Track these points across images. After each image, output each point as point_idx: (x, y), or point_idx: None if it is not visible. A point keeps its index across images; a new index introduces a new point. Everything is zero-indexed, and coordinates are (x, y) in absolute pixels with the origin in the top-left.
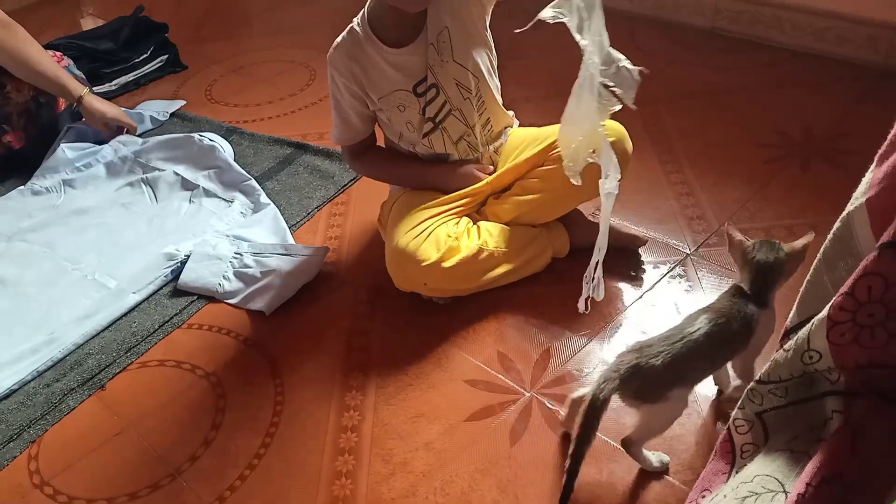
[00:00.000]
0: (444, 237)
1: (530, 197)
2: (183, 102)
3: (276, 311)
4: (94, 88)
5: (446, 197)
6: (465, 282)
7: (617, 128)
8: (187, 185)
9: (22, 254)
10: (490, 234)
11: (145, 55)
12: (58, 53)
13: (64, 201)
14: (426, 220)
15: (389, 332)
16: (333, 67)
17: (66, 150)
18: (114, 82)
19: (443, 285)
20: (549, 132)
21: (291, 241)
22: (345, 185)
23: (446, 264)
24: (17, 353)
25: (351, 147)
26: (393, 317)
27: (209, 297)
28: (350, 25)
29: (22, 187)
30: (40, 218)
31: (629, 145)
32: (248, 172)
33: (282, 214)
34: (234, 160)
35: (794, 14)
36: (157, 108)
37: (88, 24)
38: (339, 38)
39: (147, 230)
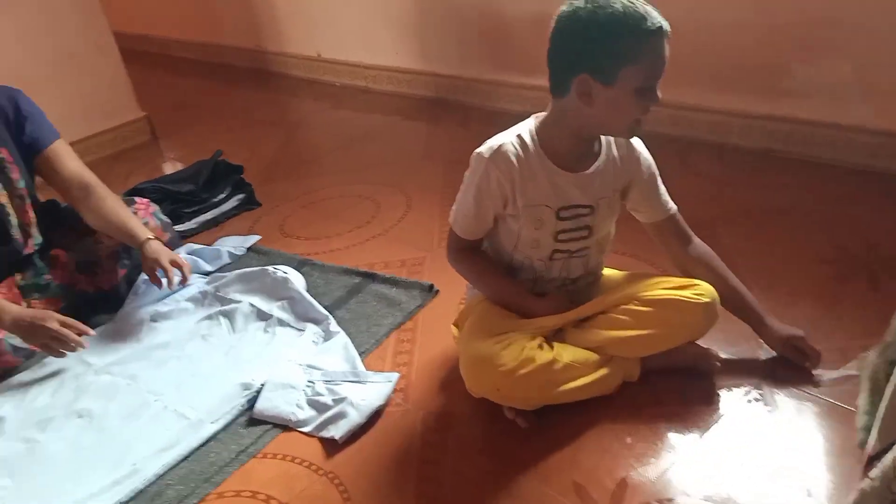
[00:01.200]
0: (522, 348)
1: (620, 333)
2: (258, 237)
3: (348, 439)
4: (176, 227)
5: (531, 319)
6: (536, 391)
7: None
8: (262, 316)
9: (107, 386)
10: (565, 351)
11: (223, 195)
12: (145, 200)
13: (147, 336)
14: (506, 331)
15: (460, 460)
16: (493, 164)
17: (148, 289)
18: (193, 221)
19: (515, 393)
20: (644, 285)
21: (362, 368)
22: (411, 313)
23: (521, 372)
24: (101, 486)
25: (464, 241)
26: (463, 444)
27: (283, 425)
28: (516, 132)
29: (109, 324)
30: (125, 352)
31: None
32: (319, 302)
33: (352, 342)
34: (306, 290)
35: (846, 133)
36: (234, 244)
37: (169, 167)
38: (502, 140)
39: (224, 360)
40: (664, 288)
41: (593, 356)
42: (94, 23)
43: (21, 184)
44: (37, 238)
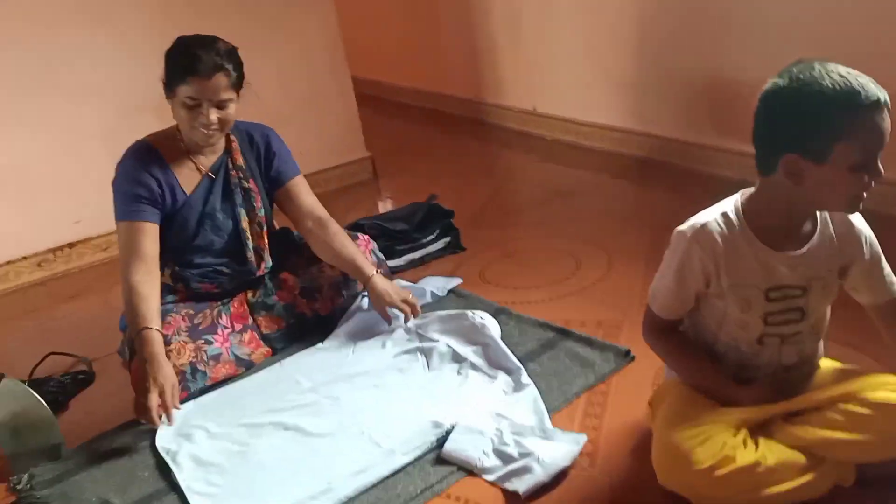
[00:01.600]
0: (721, 444)
1: (834, 435)
2: (460, 281)
3: (530, 495)
4: (387, 261)
5: (732, 409)
6: (734, 494)
7: None
8: (457, 358)
9: (314, 404)
10: (770, 451)
11: (431, 236)
12: (366, 237)
13: (351, 362)
14: (706, 424)
15: None
16: (697, 243)
17: (359, 318)
18: (403, 258)
19: (710, 493)
20: (866, 382)
21: (549, 425)
22: (605, 375)
23: (719, 472)
24: (299, 497)
25: (662, 321)
26: None
27: (468, 469)
28: (721, 209)
29: (319, 344)
30: (330, 375)
31: None
32: (513, 352)
33: (541, 396)
34: (501, 338)
35: None
36: (437, 285)
37: (383, 206)
38: (706, 218)
39: (418, 395)
40: (891, 390)
41: (802, 457)
42: (338, 68)
43: (262, 212)
44: (268, 262)
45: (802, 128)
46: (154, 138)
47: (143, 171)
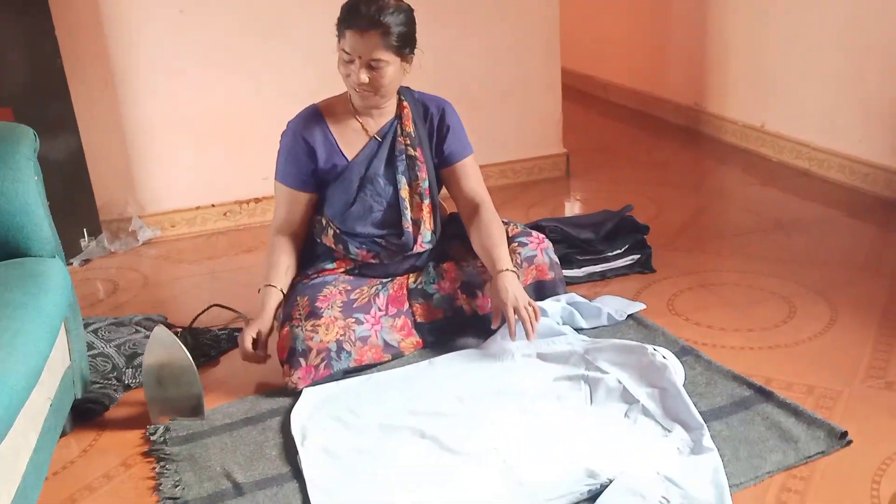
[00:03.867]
0: None
1: None
2: (643, 306)
3: None
4: (564, 271)
5: None
6: None
7: None
8: (627, 398)
9: (456, 416)
10: None
11: (619, 251)
12: (541, 236)
13: (502, 376)
14: None
15: None
16: None
17: (522, 328)
18: (582, 269)
19: None
20: None
21: (729, 503)
22: (809, 457)
23: None
24: None
25: None
26: None
27: None
28: None
29: (474, 348)
30: (478, 386)
31: None
32: (695, 404)
33: (724, 467)
34: (684, 386)
35: None
36: (615, 306)
37: (572, 207)
38: None
39: (574, 434)
40: None
41: None
42: (550, 58)
43: (425, 184)
44: (426, 236)
45: None
46: (326, 102)
47: (302, 137)
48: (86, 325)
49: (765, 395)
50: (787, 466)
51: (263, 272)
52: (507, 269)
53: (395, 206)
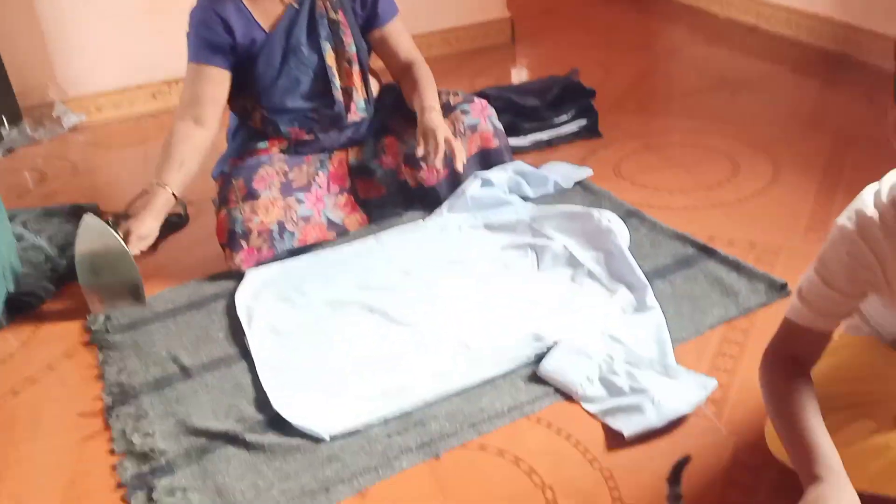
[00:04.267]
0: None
1: None
2: (589, 172)
3: (636, 439)
4: (510, 139)
5: None
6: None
7: None
8: (573, 263)
9: (404, 289)
10: None
11: (565, 117)
12: (483, 101)
13: (452, 248)
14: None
15: None
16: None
17: (468, 199)
18: (528, 138)
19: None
20: None
21: (672, 359)
22: (749, 309)
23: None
24: (372, 391)
25: (801, 340)
26: (780, 498)
27: (566, 394)
28: (859, 212)
29: (420, 221)
30: (429, 259)
31: None
32: (640, 265)
33: (667, 324)
34: (629, 248)
35: None
36: (562, 173)
37: (518, 75)
38: (854, 223)
39: (521, 299)
40: None
41: None
42: None
43: (352, 48)
44: (359, 104)
45: None
46: None
47: (213, 11)
48: (13, 218)
49: (707, 252)
50: (728, 319)
51: (158, 162)
52: (435, 107)
53: (322, 75)
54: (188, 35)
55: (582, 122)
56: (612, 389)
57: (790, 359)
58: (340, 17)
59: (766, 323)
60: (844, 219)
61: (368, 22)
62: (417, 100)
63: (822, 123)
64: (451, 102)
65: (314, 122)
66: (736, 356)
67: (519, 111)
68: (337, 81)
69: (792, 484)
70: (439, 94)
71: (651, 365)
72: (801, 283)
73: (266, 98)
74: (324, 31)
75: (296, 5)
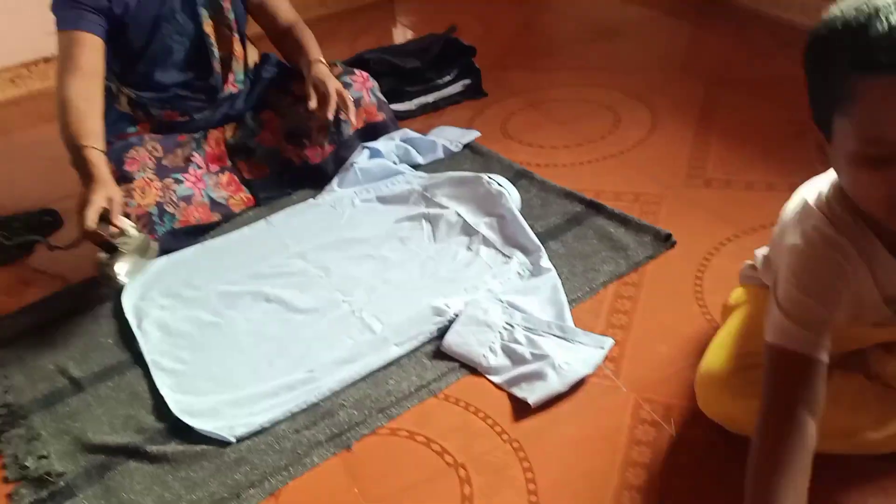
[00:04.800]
0: None
1: None
2: (477, 134)
3: (541, 406)
4: (394, 105)
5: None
6: None
7: None
8: (467, 230)
9: (300, 274)
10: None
11: (449, 77)
12: (364, 74)
13: (346, 225)
14: None
15: (672, 471)
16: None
17: (358, 172)
18: (413, 102)
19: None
20: None
21: (569, 319)
22: (638, 263)
23: None
24: (276, 385)
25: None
26: (681, 452)
27: (471, 367)
28: (815, 226)
29: (311, 200)
30: (322, 239)
31: None
32: (532, 227)
33: (562, 284)
34: (520, 210)
35: None
36: (450, 137)
37: (400, 34)
38: (805, 235)
39: (420, 274)
40: None
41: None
42: None
43: (231, 15)
44: (238, 75)
45: (810, 82)
46: None
47: None
48: None
49: (595, 208)
50: (619, 275)
51: (66, 139)
52: (321, 60)
53: (199, 44)
54: (54, 4)
55: (466, 81)
56: (515, 358)
57: (789, 407)
58: None
59: (655, 274)
60: (797, 238)
61: None
62: (303, 57)
63: (695, 68)
64: (332, 74)
65: (186, 101)
66: (629, 311)
67: (402, 74)
68: (216, 51)
69: (692, 437)
70: None
71: (550, 328)
72: (779, 306)
73: (133, 73)
74: None
75: None
